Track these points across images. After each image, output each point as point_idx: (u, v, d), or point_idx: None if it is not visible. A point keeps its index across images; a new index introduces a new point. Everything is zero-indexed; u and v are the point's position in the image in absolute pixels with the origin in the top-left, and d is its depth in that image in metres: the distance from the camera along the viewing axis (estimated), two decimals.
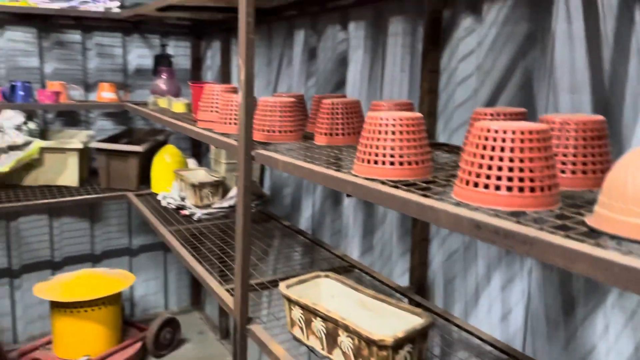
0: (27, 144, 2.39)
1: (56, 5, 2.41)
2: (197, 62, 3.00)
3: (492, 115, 1.04)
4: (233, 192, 2.25)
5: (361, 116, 1.42)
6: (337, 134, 1.37)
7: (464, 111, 1.38)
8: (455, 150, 1.30)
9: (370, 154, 0.98)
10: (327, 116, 1.38)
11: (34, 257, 2.72)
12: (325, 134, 1.38)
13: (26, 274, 2.71)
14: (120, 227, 2.94)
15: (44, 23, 2.61)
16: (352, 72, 1.80)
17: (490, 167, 0.77)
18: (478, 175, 0.78)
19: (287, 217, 2.23)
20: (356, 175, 0.99)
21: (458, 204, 0.78)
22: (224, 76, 2.72)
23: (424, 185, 0.93)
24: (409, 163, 0.97)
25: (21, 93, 2.36)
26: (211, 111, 1.71)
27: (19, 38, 2.58)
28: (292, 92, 2.08)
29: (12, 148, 2.36)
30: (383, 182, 0.94)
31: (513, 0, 1.23)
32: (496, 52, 1.27)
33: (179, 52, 2.97)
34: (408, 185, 0.93)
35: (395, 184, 0.93)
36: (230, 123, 1.57)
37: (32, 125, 2.46)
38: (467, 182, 0.80)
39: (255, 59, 2.42)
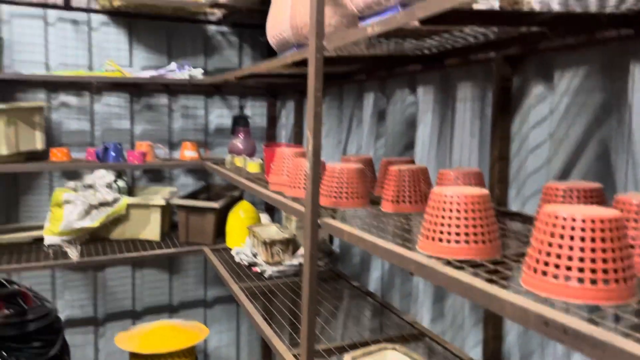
0: (115, 200, 2.58)
1: (146, 74, 2.63)
2: (272, 120, 3.12)
3: (564, 192, 1.00)
4: (302, 249, 2.27)
5: (429, 183, 1.41)
6: (404, 202, 1.37)
7: (537, 179, 1.33)
8: (529, 220, 1.26)
9: (435, 231, 0.97)
10: (394, 183, 1.38)
11: (117, 306, 2.88)
12: (392, 201, 1.38)
13: (109, 322, 2.86)
14: (197, 279, 3.05)
15: (136, 89, 2.85)
16: (421, 135, 1.80)
17: (559, 256, 0.74)
18: (547, 264, 0.75)
19: (356, 276, 2.22)
20: (421, 252, 0.98)
21: (526, 294, 0.75)
22: (297, 134, 2.82)
23: (492, 267, 0.90)
24: (476, 242, 0.95)
25: (113, 154, 2.57)
26: (282, 175, 1.77)
27: (114, 103, 2.83)
28: (361, 154, 2.11)
29: (103, 204, 2.56)
30: (448, 262, 0.92)
31: (586, 69, 1.19)
32: (569, 120, 1.23)
33: (256, 111, 3.12)
34: (475, 266, 0.91)
35: (461, 264, 0.91)
36: (299, 187, 1.61)
37: (121, 183, 2.66)
38: (535, 270, 0.76)
39: (326, 118, 2.50)
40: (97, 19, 2.74)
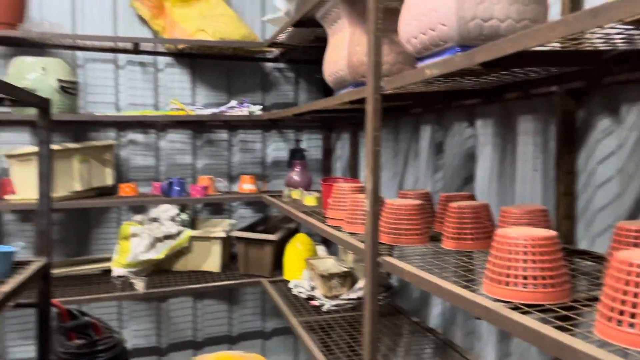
0: (179, 233, 2.67)
1: (208, 112, 2.74)
2: (328, 153, 3.17)
3: (636, 232, 0.96)
4: (361, 283, 2.27)
5: (491, 220, 1.38)
6: (465, 239, 1.35)
7: (606, 215, 1.28)
8: (599, 259, 1.21)
9: (500, 274, 0.95)
10: (455, 220, 1.37)
11: (179, 336, 2.95)
12: (453, 238, 1.36)
13: (172, 352, 2.93)
14: (255, 311, 3.09)
15: (198, 126, 2.97)
16: (480, 169, 1.78)
17: (635, 305, 0.71)
18: (621, 313, 0.72)
19: (415, 311, 2.18)
20: (486, 296, 0.96)
21: (599, 343, 0.72)
22: (352, 167, 2.84)
23: (562, 312, 0.87)
24: (544, 286, 0.92)
25: (177, 188, 2.68)
26: (340, 210, 1.78)
27: (177, 139, 2.96)
28: (418, 188, 2.10)
29: (167, 237, 2.66)
30: (515, 307, 0.90)
31: None
32: (639, 155, 1.18)
33: (312, 143, 3.18)
34: (543, 312, 0.88)
35: (529, 309, 0.88)
36: (357, 223, 1.62)
37: (184, 215, 2.76)
38: (610, 319, 0.73)
39: (382, 151, 2.50)
40: (162, 60, 2.91)
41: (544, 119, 1.48)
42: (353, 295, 2.24)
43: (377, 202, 1.32)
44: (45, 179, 1.41)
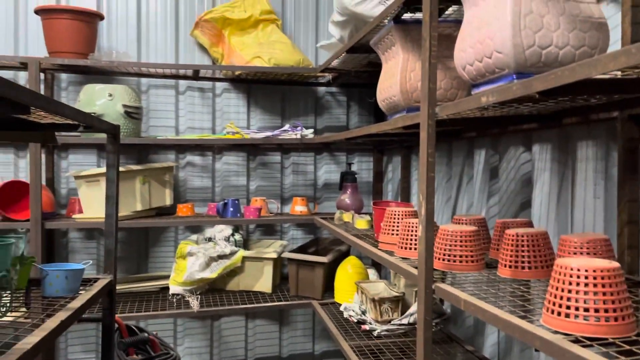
0: (232, 253, 2.74)
1: (262, 135, 2.82)
2: (379, 175, 3.17)
3: None
4: (413, 308, 2.24)
5: (549, 248, 1.35)
6: (522, 267, 1.32)
7: None
8: None
9: (561, 305, 0.93)
10: (511, 247, 1.34)
11: (231, 355, 3.00)
12: (510, 266, 1.34)
13: None
14: (305, 332, 3.10)
15: (252, 148, 3.06)
16: (538, 195, 1.74)
17: None
18: None
19: (469, 339, 2.13)
20: (545, 327, 0.94)
21: None
22: (404, 190, 2.83)
23: (625, 347, 0.84)
24: (607, 319, 0.89)
25: (231, 209, 2.76)
26: (392, 234, 1.78)
27: (232, 161, 3.05)
28: (472, 214, 2.07)
29: (221, 257, 2.73)
30: (576, 340, 0.88)
31: None
32: None
33: (362, 166, 3.19)
34: (606, 345, 0.85)
35: (590, 343, 0.86)
36: (410, 248, 1.62)
37: (237, 236, 2.83)
38: None
39: (435, 175, 2.49)
40: (220, 86, 3.02)
41: (605, 144, 1.44)
42: (405, 321, 2.21)
43: (431, 228, 1.31)
44: (113, 200, 1.49)
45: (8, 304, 1.09)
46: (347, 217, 2.59)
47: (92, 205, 2.56)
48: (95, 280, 1.42)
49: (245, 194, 3.07)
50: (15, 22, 2.75)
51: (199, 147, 2.99)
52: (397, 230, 1.76)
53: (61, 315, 1.07)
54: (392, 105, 1.80)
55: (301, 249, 2.90)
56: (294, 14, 3.09)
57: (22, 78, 2.73)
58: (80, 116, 1.18)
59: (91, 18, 2.62)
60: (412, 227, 1.62)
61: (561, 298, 0.93)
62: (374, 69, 2.55)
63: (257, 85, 3.05)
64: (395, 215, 1.79)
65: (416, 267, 1.38)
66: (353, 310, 2.39)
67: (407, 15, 1.73)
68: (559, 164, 1.64)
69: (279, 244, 2.94)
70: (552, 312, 0.94)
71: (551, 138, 1.68)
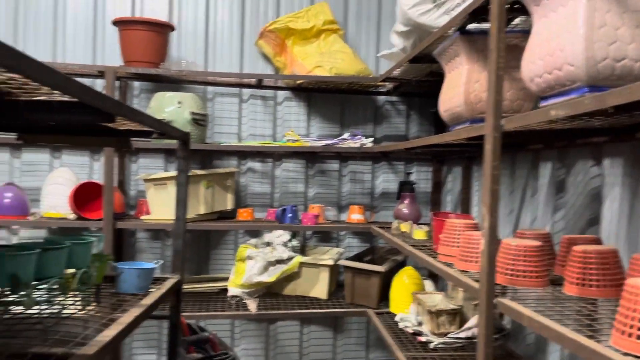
0: (290, 258, 2.79)
1: (321, 143, 2.86)
2: (438, 186, 3.14)
3: None
4: (471, 322, 2.20)
5: (619, 267, 1.30)
6: (589, 285, 1.28)
7: None
8: None
9: (632, 326, 0.90)
10: (579, 265, 1.30)
11: (286, 359, 3.04)
12: (577, 283, 1.30)
13: None
14: (359, 341, 3.10)
15: (311, 156, 3.10)
16: (607, 211, 1.67)
17: None
18: None
19: (530, 357, 2.07)
20: (615, 349, 0.91)
21: None
22: (464, 201, 2.78)
23: None
24: None
25: (289, 215, 2.81)
26: (452, 246, 1.77)
27: (291, 168, 3.11)
28: (536, 228, 2.02)
29: (279, 261, 2.78)
30: None
31: None
32: None
33: (421, 175, 3.17)
34: None
35: None
36: (471, 261, 1.60)
37: (295, 242, 2.88)
38: None
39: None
40: (282, 94, 3.10)
41: None
42: (462, 335, 2.17)
43: (494, 241, 1.30)
44: (182, 203, 1.57)
45: (88, 299, 1.17)
46: (404, 227, 2.58)
47: (159, 207, 2.68)
48: (164, 279, 1.49)
49: (303, 200, 3.12)
50: (94, 33, 2.94)
51: (260, 154, 3.07)
52: (458, 243, 1.74)
53: (135, 312, 1.14)
54: (455, 116, 1.79)
55: (357, 257, 2.91)
56: (356, 24, 3.12)
57: (99, 85, 2.91)
58: (156, 124, 1.25)
59: (163, 29, 2.76)
60: (473, 239, 1.60)
61: (632, 319, 0.90)
62: (436, 78, 2.53)
63: (318, 94, 3.10)
64: (455, 227, 1.77)
65: (477, 281, 1.36)
66: (409, 321, 2.37)
67: (472, 26, 1.71)
68: (632, 179, 1.57)
69: (335, 251, 2.97)
70: (623, 332, 0.91)
71: (623, 152, 1.62)
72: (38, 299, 0.99)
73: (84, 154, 2.92)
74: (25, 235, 2.84)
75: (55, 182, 2.65)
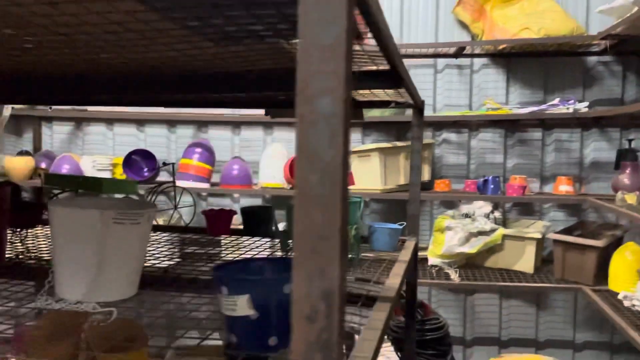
0: (492, 230, 2.72)
1: (526, 110, 2.72)
2: None
3: None
4: None
5: None
6: None
7: None
8: None
9: None
10: None
11: (484, 332, 3.01)
12: None
13: (476, 345, 3.01)
14: (566, 319, 2.93)
15: (511, 125, 2.97)
16: None
17: None
18: None
19: None
20: None
21: None
22: None
23: None
24: None
25: (491, 186, 2.74)
26: None
27: (489, 138, 3.02)
28: None
29: (481, 233, 2.74)
30: None
31: None
32: None
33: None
34: None
35: None
36: None
37: (497, 214, 2.80)
38: None
39: None
40: (478, 62, 3.00)
41: None
42: None
43: None
44: (417, 170, 1.62)
45: (358, 252, 1.28)
46: (630, 198, 2.35)
47: (361, 177, 2.80)
48: (404, 241, 1.57)
49: (502, 172, 3.01)
50: None
51: (456, 124, 3.03)
52: None
53: (398, 267, 1.22)
54: None
55: (566, 232, 2.73)
56: None
57: None
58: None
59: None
60: None
61: None
62: None
63: (518, 59, 2.94)
64: None
65: None
66: (637, 300, 2.17)
67: None
68: None
69: (541, 224, 2.82)
70: None
71: None
72: None
73: (292, 130, 3.16)
74: (244, 202, 3.19)
75: (270, 155, 2.92)
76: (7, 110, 2.36)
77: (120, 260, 0.91)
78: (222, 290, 0.66)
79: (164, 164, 2.42)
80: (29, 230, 1.48)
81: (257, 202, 3.17)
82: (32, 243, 1.43)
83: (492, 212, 2.80)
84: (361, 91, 1.39)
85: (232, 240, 1.61)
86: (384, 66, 1.04)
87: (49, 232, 1.57)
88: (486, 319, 3.01)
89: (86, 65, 1.02)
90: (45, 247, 1.41)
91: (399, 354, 2.40)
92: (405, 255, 1.31)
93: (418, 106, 1.58)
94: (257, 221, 1.57)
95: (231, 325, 0.66)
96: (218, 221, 1.58)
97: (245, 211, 1.58)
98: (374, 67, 1.03)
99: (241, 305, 0.63)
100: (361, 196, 1.43)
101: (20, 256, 1.27)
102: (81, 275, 0.89)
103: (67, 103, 1.52)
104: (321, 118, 0.40)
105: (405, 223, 1.62)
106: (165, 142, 3.24)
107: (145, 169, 2.90)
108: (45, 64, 1.03)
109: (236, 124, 3.16)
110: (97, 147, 3.27)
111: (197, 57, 0.90)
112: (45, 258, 1.29)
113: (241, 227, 1.62)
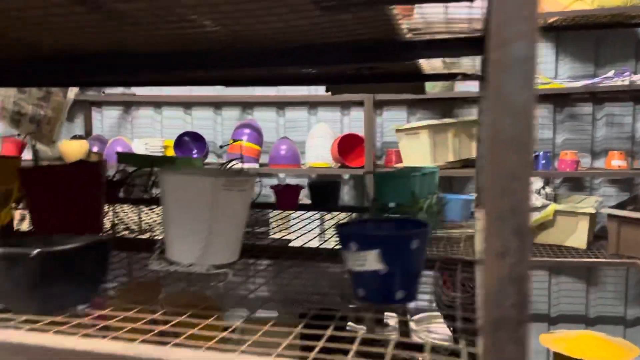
0: (544, 206, 2.70)
1: (579, 84, 2.67)
2: None
3: None
4: None
5: None
6: None
7: None
8: None
9: None
10: None
11: (533, 308, 3.00)
12: None
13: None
14: (616, 295, 2.91)
15: (559, 99, 2.93)
16: None
17: None
18: None
19: None
20: None
21: None
22: None
23: None
24: None
25: (543, 162, 2.71)
26: None
27: (538, 113, 2.98)
28: None
29: (532, 209, 2.72)
30: None
31: None
32: None
33: None
34: None
35: None
36: None
37: (548, 189, 2.77)
38: None
39: None
40: None
41: None
42: None
43: None
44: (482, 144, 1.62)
45: (436, 220, 1.30)
46: None
47: (410, 155, 2.81)
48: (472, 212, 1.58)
49: (551, 147, 2.97)
50: None
51: None
52: None
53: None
54: None
55: (619, 206, 2.69)
56: None
57: None
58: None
59: None
60: None
61: None
62: None
63: (567, 32, 2.88)
64: None
65: None
66: None
67: None
68: None
69: (593, 199, 2.79)
70: None
71: None
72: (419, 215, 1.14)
73: (335, 110, 3.17)
74: (290, 182, 3.23)
75: (316, 135, 2.94)
76: (72, 92, 2.43)
77: (228, 226, 0.94)
78: (351, 246, 0.69)
79: (224, 145, 2.47)
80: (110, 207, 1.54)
81: (304, 181, 3.20)
82: (120, 218, 1.49)
83: (543, 187, 2.78)
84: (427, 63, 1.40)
85: (302, 214, 1.65)
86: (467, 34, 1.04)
87: (126, 209, 1.63)
88: (535, 295, 3.00)
89: (181, 41, 1.05)
90: (132, 221, 1.46)
91: (451, 329, 2.42)
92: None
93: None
94: (325, 195, 1.60)
95: (359, 280, 0.70)
96: (287, 196, 1.61)
97: (314, 186, 1.61)
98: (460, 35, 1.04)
99: (371, 260, 0.66)
100: (436, 167, 1.45)
101: (114, 229, 1.32)
102: (193, 240, 0.93)
103: (154, 84, 1.55)
104: (515, 62, 0.41)
105: (475, 194, 1.63)
106: (211, 124, 3.28)
107: (195, 150, 2.95)
108: (141, 41, 1.05)
109: (280, 105, 3.19)
110: (146, 131, 3.34)
111: (300, 28, 0.92)
112: (136, 230, 1.34)
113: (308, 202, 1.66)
